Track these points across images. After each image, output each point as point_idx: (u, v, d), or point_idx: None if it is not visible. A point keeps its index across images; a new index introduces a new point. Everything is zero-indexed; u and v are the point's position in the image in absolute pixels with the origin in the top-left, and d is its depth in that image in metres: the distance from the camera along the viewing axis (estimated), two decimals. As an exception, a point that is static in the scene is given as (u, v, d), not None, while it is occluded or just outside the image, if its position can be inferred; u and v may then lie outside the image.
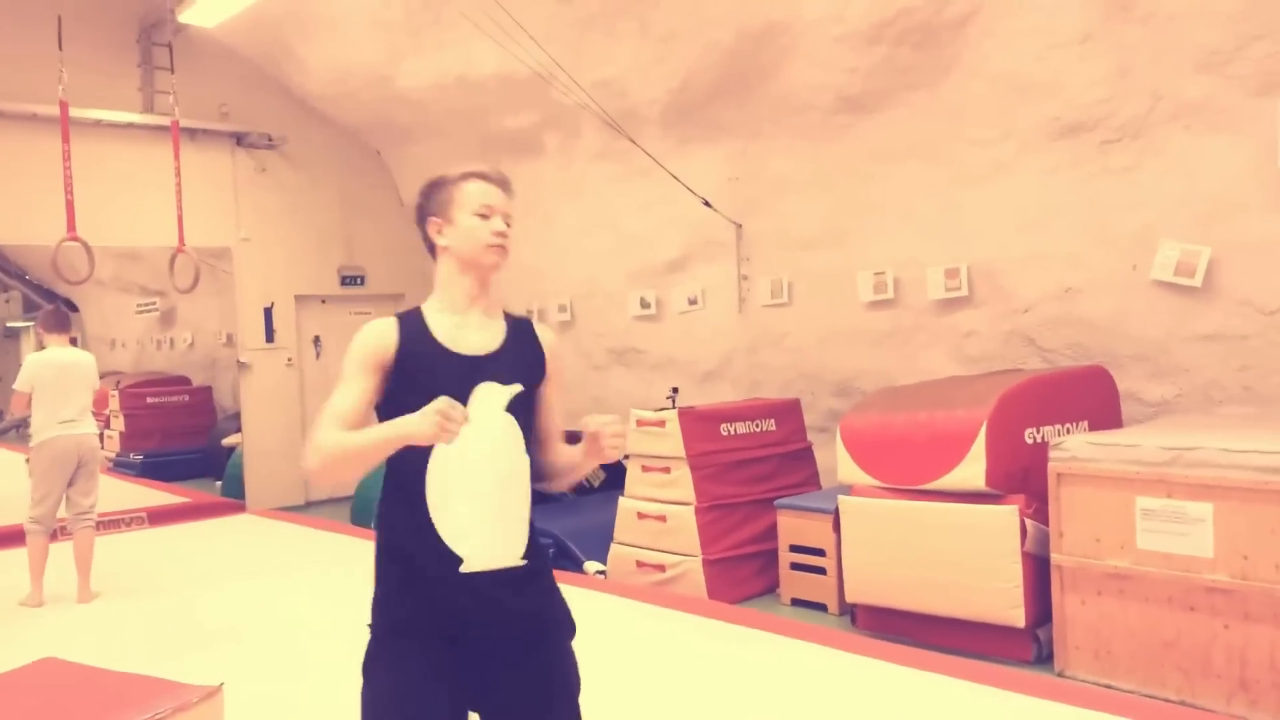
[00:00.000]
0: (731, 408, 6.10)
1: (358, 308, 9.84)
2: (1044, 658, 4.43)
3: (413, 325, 2.02)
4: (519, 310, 2.30)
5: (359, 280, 9.97)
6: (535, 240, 8.53)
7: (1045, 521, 4.42)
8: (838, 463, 5.09)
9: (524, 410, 2.01)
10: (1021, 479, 4.57)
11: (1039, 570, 4.44)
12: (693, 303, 7.64)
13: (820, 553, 5.34)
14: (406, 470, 1.94)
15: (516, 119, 8.16)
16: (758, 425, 6.05)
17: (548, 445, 2.14)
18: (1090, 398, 5.01)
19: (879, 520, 4.83)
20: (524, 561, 1.98)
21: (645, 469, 5.92)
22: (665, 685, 4.22)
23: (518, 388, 1.98)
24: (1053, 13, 5.37)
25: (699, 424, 5.79)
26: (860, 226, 6.54)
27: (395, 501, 1.99)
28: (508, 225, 2.03)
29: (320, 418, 1.97)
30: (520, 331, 2.12)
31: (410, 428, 1.80)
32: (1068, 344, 5.61)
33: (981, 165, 5.90)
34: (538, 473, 2.07)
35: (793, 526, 5.47)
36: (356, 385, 1.97)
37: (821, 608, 5.34)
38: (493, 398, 1.94)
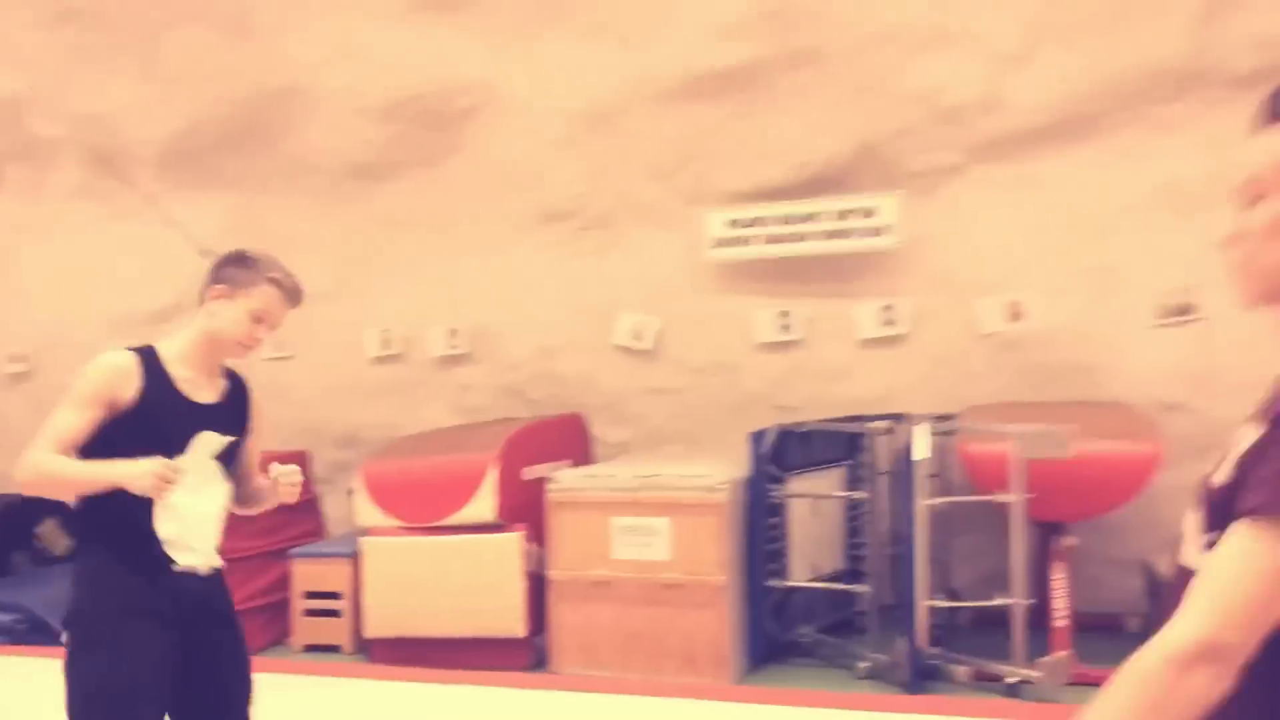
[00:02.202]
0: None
1: None
2: (541, 662, 5.19)
3: (153, 369, 2.28)
4: None
5: None
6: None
7: (542, 544, 5.22)
8: (357, 507, 5.46)
9: (230, 451, 2.40)
10: (522, 510, 5.33)
11: (536, 587, 5.21)
12: (187, 353, 7.43)
13: (336, 596, 5.61)
14: (125, 515, 2.24)
15: (-27, 144, 7.32)
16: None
17: (246, 480, 2.53)
18: (571, 440, 5.98)
19: (400, 557, 5.28)
20: (221, 565, 2.42)
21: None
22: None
23: (231, 439, 2.28)
24: (542, 118, 6.38)
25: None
26: (367, 286, 6.97)
27: (118, 516, 2.24)
28: (272, 330, 2.40)
29: (41, 436, 2.21)
30: (236, 388, 2.48)
31: (128, 479, 2.12)
32: (549, 395, 6.57)
33: (479, 239, 6.70)
34: (237, 499, 2.50)
35: (308, 574, 5.67)
36: (85, 415, 2.21)
37: (336, 649, 5.60)
38: (210, 444, 2.23)
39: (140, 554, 2.28)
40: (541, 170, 6.50)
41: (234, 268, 2.42)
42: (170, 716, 2.34)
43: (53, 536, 7.04)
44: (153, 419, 2.25)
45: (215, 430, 2.37)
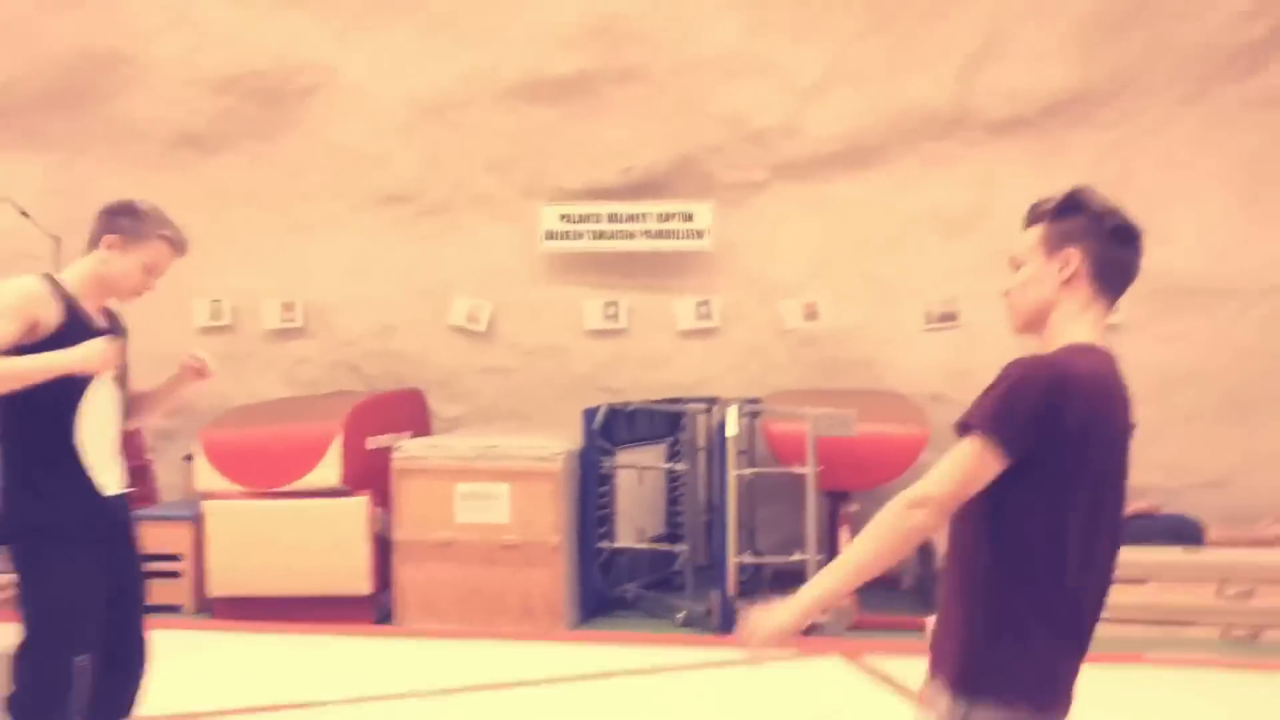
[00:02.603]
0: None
1: None
2: (384, 618, 5.54)
3: (65, 297, 2.56)
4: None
5: None
6: None
7: (387, 510, 5.57)
8: (196, 473, 5.60)
9: (122, 371, 2.73)
10: (366, 476, 5.65)
11: (381, 549, 5.56)
12: (-11, 317, 7.15)
13: (176, 558, 5.71)
14: (55, 430, 2.47)
15: None
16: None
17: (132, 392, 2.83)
18: (411, 413, 6.33)
19: (243, 520, 5.48)
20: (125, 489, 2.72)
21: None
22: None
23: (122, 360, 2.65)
24: (382, 104, 6.66)
25: None
26: (193, 257, 6.94)
27: (51, 455, 2.50)
28: (156, 280, 2.67)
29: None
30: (112, 316, 2.81)
31: (73, 359, 2.42)
32: (385, 372, 6.86)
33: (315, 216, 6.88)
34: (129, 412, 2.80)
35: (146, 536, 5.68)
36: (9, 326, 2.45)
37: (176, 609, 5.70)
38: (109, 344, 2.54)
39: (71, 481, 2.55)
40: (380, 155, 6.77)
41: (127, 219, 2.68)
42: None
43: None
44: (72, 342, 2.51)
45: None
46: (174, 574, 5.71)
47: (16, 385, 2.43)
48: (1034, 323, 1.90)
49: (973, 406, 1.81)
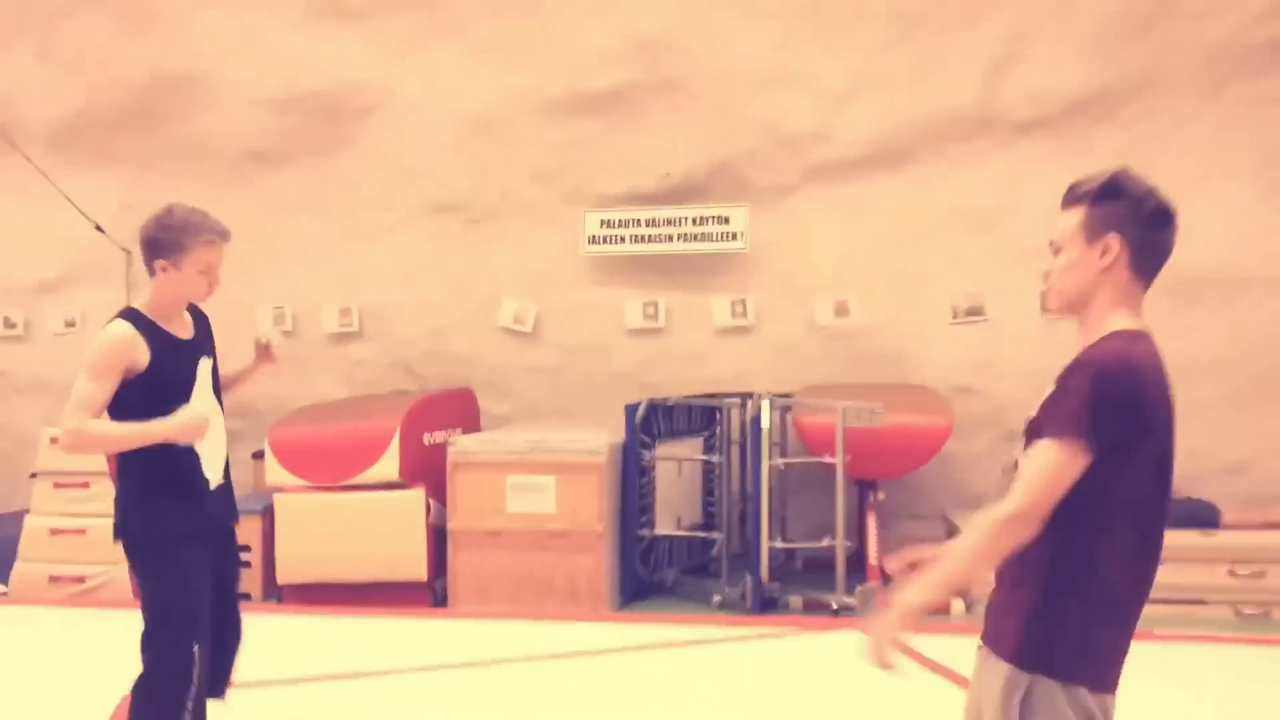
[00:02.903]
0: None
1: None
2: (440, 602, 5.93)
3: (149, 327, 2.81)
4: None
5: None
6: None
7: (442, 501, 5.96)
8: (265, 469, 6.04)
9: (215, 368, 3.01)
10: (423, 470, 6.05)
11: (436, 538, 5.95)
12: (71, 325, 7.68)
13: (245, 549, 6.13)
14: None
15: None
16: (172, 440, 6.59)
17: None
18: (463, 410, 6.72)
19: (309, 512, 5.89)
20: (225, 479, 2.98)
21: (58, 485, 6.08)
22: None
23: (213, 359, 2.95)
24: (434, 121, 7.05)
25: (121, 438, 6.16)
26: (260, 266, 7.43)
27: (159, 457, 2.77)
28: (217, 274, 2.91)
29: (75, 405, 2.69)
30: (198, 316, 3.03)
31: (172, 432, 2.70)
32: (438, 372, 7.26)
33: (371, 226, 7.30)
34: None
35: (219, 526, 6.18)
36: (106, 384, 2.71)
37: (246, 596, 6.13)
38: (207, 368, 2.85)
39: (184, 479, 2.79)
40: (432, 168, 7.18)
41: (165, 240, 2.84)
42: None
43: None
44: (170, 367, 2.78)
45: (204, 355, 2.94)
46: (245, 564, 6.14)
47: (105, 450, 2.74)
48: (1075, 306, 1.93)
49: (1049, 409, 1.84)
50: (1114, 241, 1.85)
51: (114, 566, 5.97)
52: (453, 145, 7.12)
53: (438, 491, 5.98)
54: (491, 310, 7.15)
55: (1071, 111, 6.63)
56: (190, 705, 2.70)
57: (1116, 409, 1.76)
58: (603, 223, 6.97)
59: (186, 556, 2.77)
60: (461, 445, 5.94)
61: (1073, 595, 1.81)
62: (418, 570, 5.84)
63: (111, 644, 4.87)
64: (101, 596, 5.96)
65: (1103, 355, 1.82)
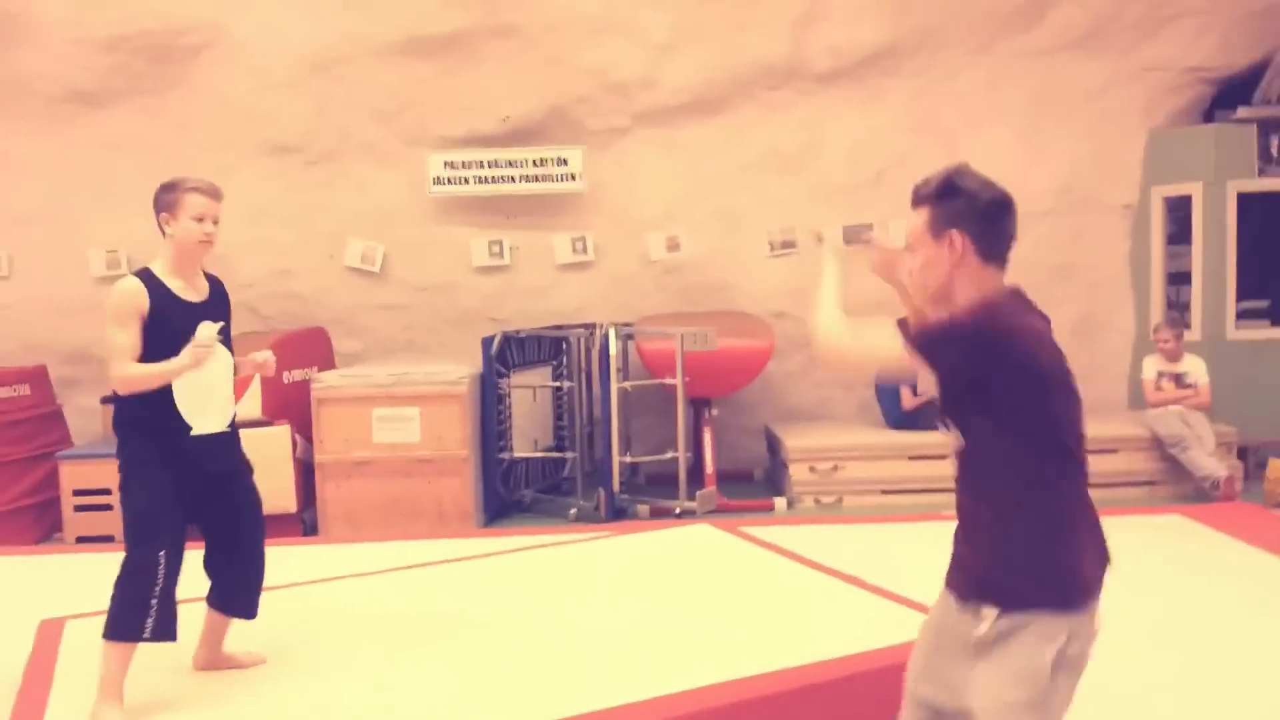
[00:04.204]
0: (-14, 373, 6.43)
1: None
2: (310, 531, 6.25)
3: (154, 284, 3.07)
4: None
5: None
6: None
7: (308, 436, 6.24)
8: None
9: (225, 333, 3.24)
10: (284, 407, 6.29)
11: (304, 471, 6.24)
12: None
13: (107, 492, 6.21)
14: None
15: None
16: (15, 390, 6.52)
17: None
18: (317, 349, 6.95)
19: (174, 451, 6.03)
20: (229, 429, 3.25)
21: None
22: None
23: (221, 323, 3.19)
24: (269, 61, 7.10)
25: (-37, 389, 6.07)
26: (88, 208, 7.29)
27: (149, 400, 3.04)
28: (215, 224, 3.15)
29: (117, 355, 3.01)
30: (215, 286, 3.28)
31: (184, 363, 3.01)
32: (282, 312, 7.42)
33: (207, 167, 7.15)
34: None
35: (77, 474, 6.22)
36: (132, 331, 3.01)
37: (109, 538, 6.22)
38: (207, 330, 3.12)
39: (157, 419, 3.07)
40: (269, 108, 7.23)
41: (163, 196, 3.15)
42: (205, 538, 3.28)
43: None
44: (166, 320, 3.06)
45: (209, 319, 3.17)
46: (107, 507, 6.23)
47: (147, 388, 3.02)
48: (940, 298, 2.06)
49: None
50: (956, 237, 2.00)
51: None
52: (289, 86, 7.19)
53: (301, 428, 6.25)
54: (338, 250, 7.35)
55: (866, 63, 7.45)
56: (155, 602, 3.04)
57: (966, 328, 1.94)
58: (446, 164, 7.27)
59: (151, 478, 3.09)
60: (326, 381, 6.22)
61: (1019, 532, 1.96)
62: (288, 502, 6.13)
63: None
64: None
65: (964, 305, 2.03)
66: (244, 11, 7.05)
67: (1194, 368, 6.69)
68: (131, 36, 6.94)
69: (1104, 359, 7.81)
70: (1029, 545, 1.97)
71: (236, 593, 3.36)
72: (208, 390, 3.18)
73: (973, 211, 2.01)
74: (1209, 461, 6.29)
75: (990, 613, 1.96)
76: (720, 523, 5.28)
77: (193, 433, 3.13)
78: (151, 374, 3.06)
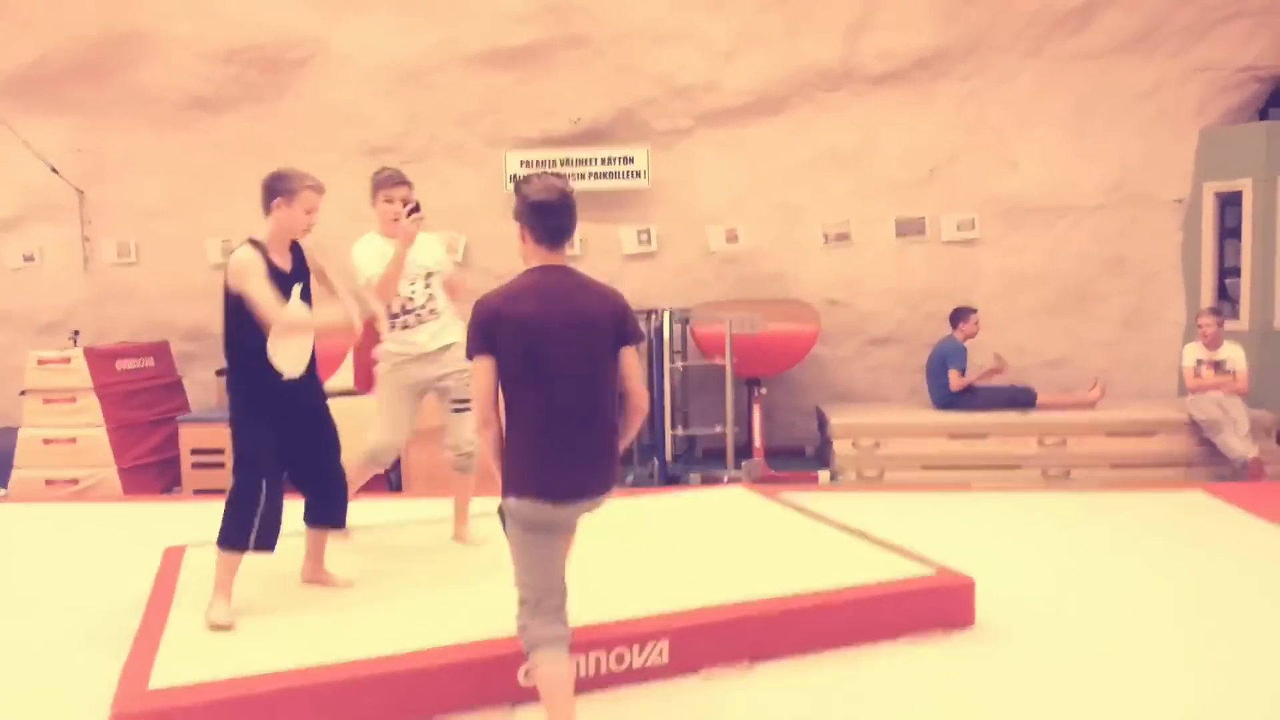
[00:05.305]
0: (122, 348, 7.33)
1: None
2: (395, 488, 6.95)
3: (264, 253, 3.71)
4: None
5: None
6: None
7: (393, 405, 6.93)
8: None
9: (306, 294, 3.86)
10: (372, 381, 6.99)
11: (389, 436, 6.92)
12: (29, 259, 8.30)
13: (220, 452, 7.03)
14: (253, 336, 3.66)
15: None
16: (142, 362, 7.40)
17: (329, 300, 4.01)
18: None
19: (277, 416, 6.80)
20: (309, 374, 3.86)
21: (48, 401, 6.84)
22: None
23: (303, 285, 3.82)
24: (366, 71, 7.87)
25: (100, 361, 6.96)
26: (204, 202, 8.17)
27: (251, 349, 3.67)
28: (315, 216, 3.79)
29: (270, 305, 3.57)
30: (296, 252, 3.89)
31: (309, 319, 3.69)
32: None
33: (310, 166, 7.89)
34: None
35: (195, 436, 7.05)
36: (265, 283, 3.63)
37: (222, 491, 7.02)
38: (297, 294, 3.74)
39: (258, 373, 3.68)
40: (366, 114, 8.00)
41: (281, 184, 3.75)
42: (296, 465, 3.87)
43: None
44: (272, 284, 3.71)
45: (296, 283, 3.80)
46: (220, 465, 7.03)
47: (302, 330, 3.68)
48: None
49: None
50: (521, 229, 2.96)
51: (102, 470, 6.83)
52: (384, 94, 7.95)
53: (389, 397, 6.95)
54: (425, 242, 8.05)
55: (918, 66, 7.84)
56: (257, 521, 3.68)
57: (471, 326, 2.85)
58: (522, 163, 7.93)
59: (254, 423, 3.73)
60: (409, 357, 6.91)
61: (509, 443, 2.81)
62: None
63: (104, 531, 5.77)
64: (93, 495, 6.79)
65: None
66: (345, 27, 7.84)
67: (1233, 354, 6.90)
68: (246, 50, 7.79)
69: (1155, 349, 8.03)
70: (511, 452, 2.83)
71: (327, 506, 4.01)
72: (297, 342, 3.81)
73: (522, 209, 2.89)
74: (1240, 443, 6.50)
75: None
76: (760, 489, 5.76)
77: (283, 378, 3.75)
78: (303, 321, 3.68)
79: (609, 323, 2.87)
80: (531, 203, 2.88)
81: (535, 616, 2.83)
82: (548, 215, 2.89)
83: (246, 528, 3.69)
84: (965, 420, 6.90)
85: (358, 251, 4.53)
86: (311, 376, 3.95)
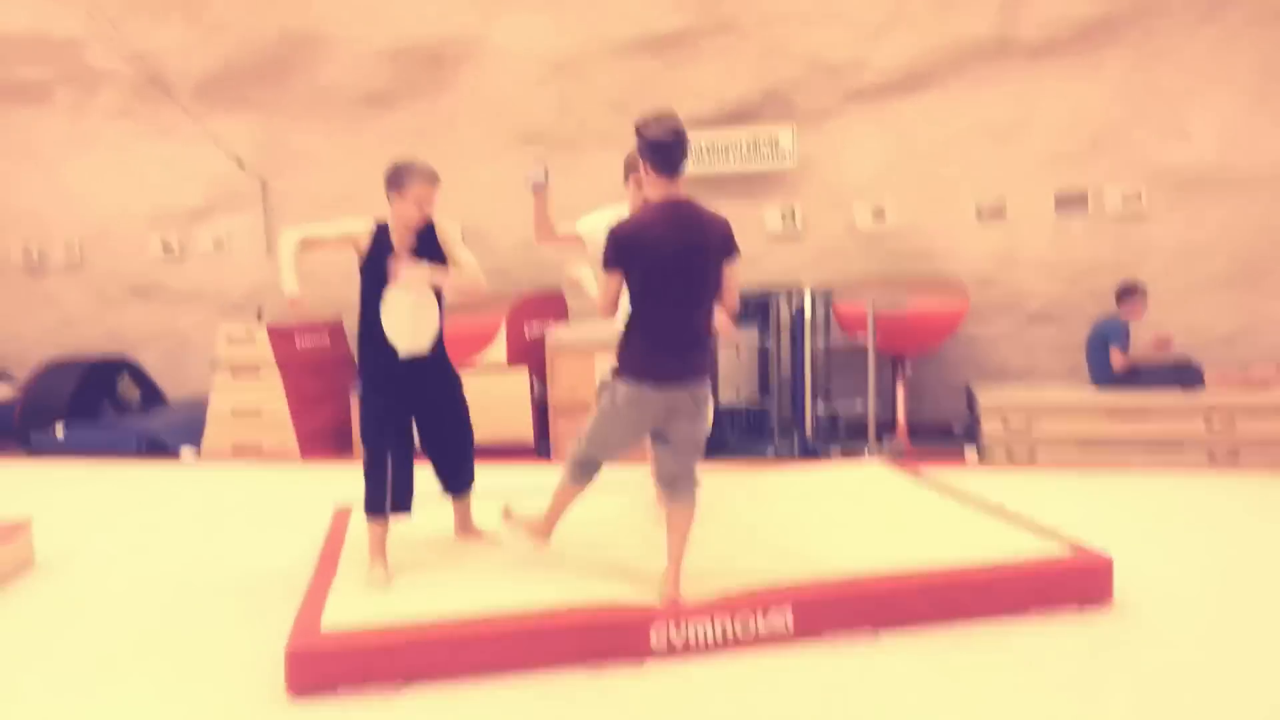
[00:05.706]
0: (298, 325, 7.93)
1: None
2: (546, 456, 7.27)
3: (379, 234, 3.99)
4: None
5: None
6: (33, 185, 9.06)
7: (542, 380, 7.25)
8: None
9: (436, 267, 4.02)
10: (524, 355, 7.34)
11: (538, 410, 7.25)
12: (218, 246, 9.06)
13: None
14: (371, 316, 3.94)
15: (29, 71, 8.66)
16: (318, 339, 7.98)
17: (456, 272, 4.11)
18: (555, 308, 7.99)
19: (437, 391, 7.23)
20: (429, 350, 4.06)
21: (236, 374, 7.49)
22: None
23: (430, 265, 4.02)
24: (522, 62, 8.19)
25: (282, 337, 7.56)
26: (376, 192, 8.68)
27: (373, 330, 3.95)
28: (429, 207, 3.99)
29: (310, 230, 3.95)
30: (427, 231, 4.09)
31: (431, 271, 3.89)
32: (530, 277, 8.52)
33: (471, 156, 8.51)
34: (456, 290, 4.10)
35: (362, 406, 7.58)
36: (332, 234, 3.99)
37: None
38: (419, 271, 3.93)
39: (377, 351, 3.94)
40: (521, 103, 8.33)
41: (397, 178, 3.95)
42: (423, 445, 4.15)
43: (128, 389, 8.68)
44: (375, 261, 3.90)
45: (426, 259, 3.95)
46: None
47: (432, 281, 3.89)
48: None
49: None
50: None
51: (283, 435, 7.42)
52: (538, 84, 8.26)
53: (538, 372, 7.27)
54: (571, 225, 8.32)
55: (1079, 36, 7.54)
56: (389, 489, 3.96)
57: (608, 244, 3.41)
58: (669, 146, 8.07)
59: (375, 398, 3.97)
60: (559, 335, 7.21)
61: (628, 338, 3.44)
62: (526, 434, 7.17)
63: (283, 492, 6.29)
64: (274, 459, 7.40)
65: None
66: (500, 23, 8.18)
67: None
68: (410, 49, 8.25)
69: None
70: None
71: (452, 478, 4.29)
72: (411, 320, 3.96)
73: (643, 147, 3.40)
74: None
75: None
76: (900, 464, 5.74)
77: (400, 356, 3.93)
78: (417, 272, 3.90)
79: (719, 244, 3.50)
80: (653, 142, 3.37)
81: (570, 462, 3.78)
82: (668, 152, 3.38)
83: (381, 495, 3.95)
84: (1125, 399, 6.64)
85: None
86: (440, 357, 4.12)
